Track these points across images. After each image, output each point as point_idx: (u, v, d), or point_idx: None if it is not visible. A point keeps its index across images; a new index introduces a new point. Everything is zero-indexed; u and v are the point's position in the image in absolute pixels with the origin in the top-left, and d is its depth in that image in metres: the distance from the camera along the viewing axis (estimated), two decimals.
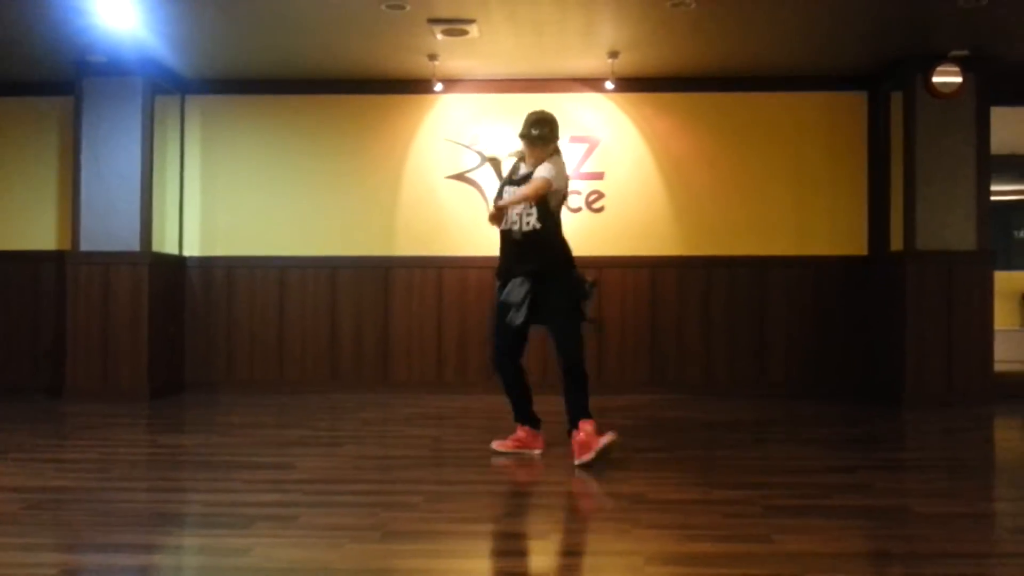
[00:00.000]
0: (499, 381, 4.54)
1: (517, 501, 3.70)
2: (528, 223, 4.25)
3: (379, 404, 6.44)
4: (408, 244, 7.05)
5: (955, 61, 6.35)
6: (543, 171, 4.21)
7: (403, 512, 3.36)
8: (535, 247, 4.27)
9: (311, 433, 5.25)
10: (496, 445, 4.52)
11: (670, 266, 7.01)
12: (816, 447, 4.88)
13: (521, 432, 4.51)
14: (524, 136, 4.33)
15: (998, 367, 6.70)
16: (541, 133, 4.29)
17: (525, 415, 4.52)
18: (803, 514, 3.30)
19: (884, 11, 5.61)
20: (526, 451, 4.47)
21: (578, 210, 7.05)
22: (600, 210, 7.07)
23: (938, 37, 6.08)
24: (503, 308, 4.33)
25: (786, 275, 6.99)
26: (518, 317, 4.27)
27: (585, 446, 4.12)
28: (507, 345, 4.43)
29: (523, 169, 4.40)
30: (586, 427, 4.20)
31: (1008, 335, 8.16)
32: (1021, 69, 6.65)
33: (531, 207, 4.23)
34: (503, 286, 4.34)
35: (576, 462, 4.10)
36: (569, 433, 4.28)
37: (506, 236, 4.34)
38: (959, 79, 6.36)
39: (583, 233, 6.98)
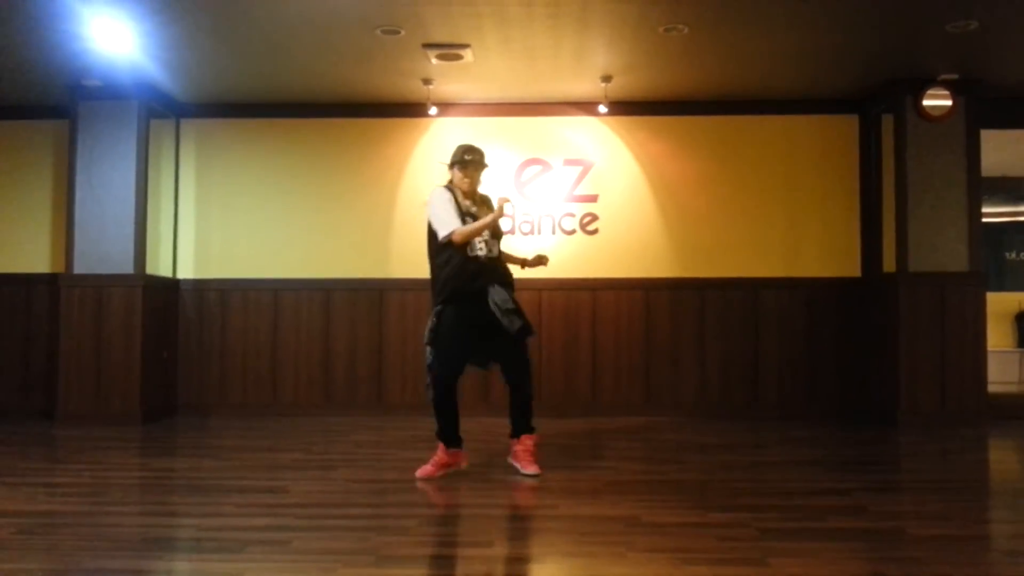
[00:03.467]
0: (442, 403, 4.48)
1: (511, 525, 3.68)
2: (492, 249, 4.50)
3: (373, 427, 6.42)
4: (402, 267, 7.06)
5: (945, 84, 6.42)
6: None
7: (397, 536, 3.34)
8: (499, 269, 4.53)
9: (304, 456, 5.23)
10: (420, 473, 4.46)
11: (664, 288, 7.03)
12: (810, 469, 4.88)
13: (446, 455, 4.51)
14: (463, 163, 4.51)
15: (992, 388, 6.73)
16: (470, 159, 4.52)
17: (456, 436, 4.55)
18: (798, 537, 3.30)
19: (875, 36, 5.68)
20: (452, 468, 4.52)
21: (572, 232, 7.08)
22: (594, 232, 7.09)
23: (928, 61, 6.15)
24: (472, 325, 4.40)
25: (779, 297, 7.01)
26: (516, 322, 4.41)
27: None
28: (463, 365, 4.50)
29: (468, 205, 4.51)
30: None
31: (1001, 356, 8.21)
32: (1010, 92, 6.72)
33: (491, 236, 4.49)
34: (464, 308, 4.40)
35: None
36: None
37: (472, 261, 4.42)
38: (949, 102, 6.43)
39: (577, 255, 7.03)
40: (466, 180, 4.51)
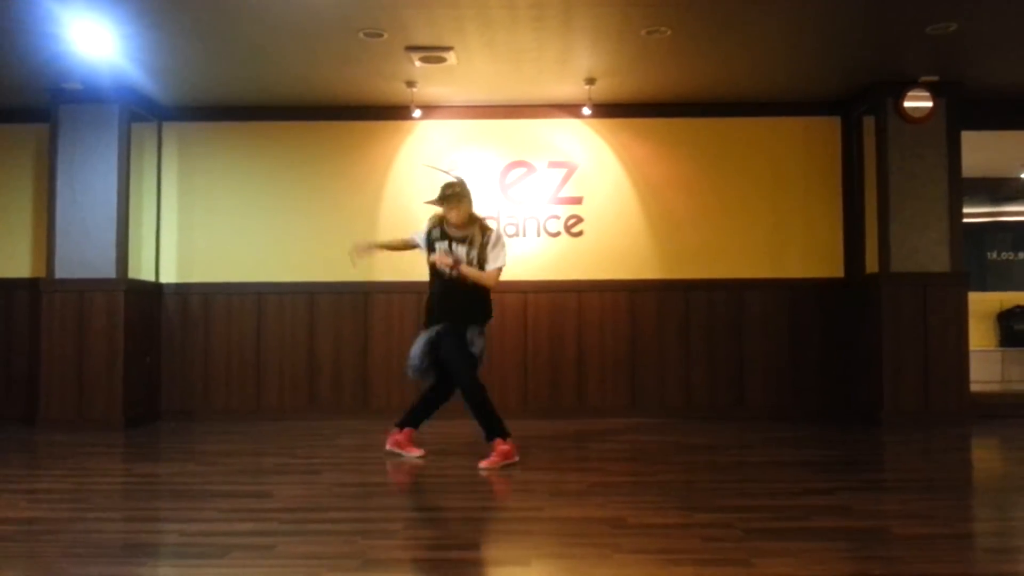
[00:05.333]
0: (483, 400, 4.83)
1: (497, 527, 3.68)
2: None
3: (358, 430, 6.39)
4: (387, 269, 7.04)
5: (925, 86, 6.47)
6: (496, 261, 4.90)
7: (382, 540, 3.33)
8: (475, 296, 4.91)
9: (289, 461, 5.20)
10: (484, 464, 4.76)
11: (649, 290, 7.05)
12: (795, 469, 4.90)
13: (504, 445, 4.81)
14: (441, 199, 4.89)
15: (974, 387, 6.77)
16: (449, 193, 4.86)
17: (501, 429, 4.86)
18: (783, 537, 3.30)
19: (856, 38, 5.72)
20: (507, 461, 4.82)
21: (557, 235, 7.08)
22: (579, 235, 7.10)
23: (909, 63, 6.20)
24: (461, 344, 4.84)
25: (764, 298, 7.04)
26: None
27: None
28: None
29: (458, 233, 4.92)
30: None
31: (983, 355, 8.26)
32: (989, 94, 6.78)
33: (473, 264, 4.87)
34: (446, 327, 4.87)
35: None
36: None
37: (450, 284, 4.87)
38: (929, 104, 6.48)
39: (562, 257, 7.03)
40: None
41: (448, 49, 5.78)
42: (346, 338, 7.06)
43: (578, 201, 7.12)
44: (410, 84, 6.50)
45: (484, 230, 4.95)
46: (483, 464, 4.73)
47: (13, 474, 4.87)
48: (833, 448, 5.66)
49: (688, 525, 3.50)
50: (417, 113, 6.91)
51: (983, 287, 9.33)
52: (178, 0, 4.97)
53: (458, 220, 4.89)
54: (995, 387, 8.20)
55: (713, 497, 4.05)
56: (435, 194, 4.91)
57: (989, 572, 2.98)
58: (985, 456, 5.66)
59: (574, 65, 6.16)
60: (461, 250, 4.87)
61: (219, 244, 7.12)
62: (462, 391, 4.84)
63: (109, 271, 6.48)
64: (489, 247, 4.88)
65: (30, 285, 6.86)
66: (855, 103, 6.90)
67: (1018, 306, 8.94)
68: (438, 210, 4.95)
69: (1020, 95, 6.87)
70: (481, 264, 4.86)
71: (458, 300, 4.84)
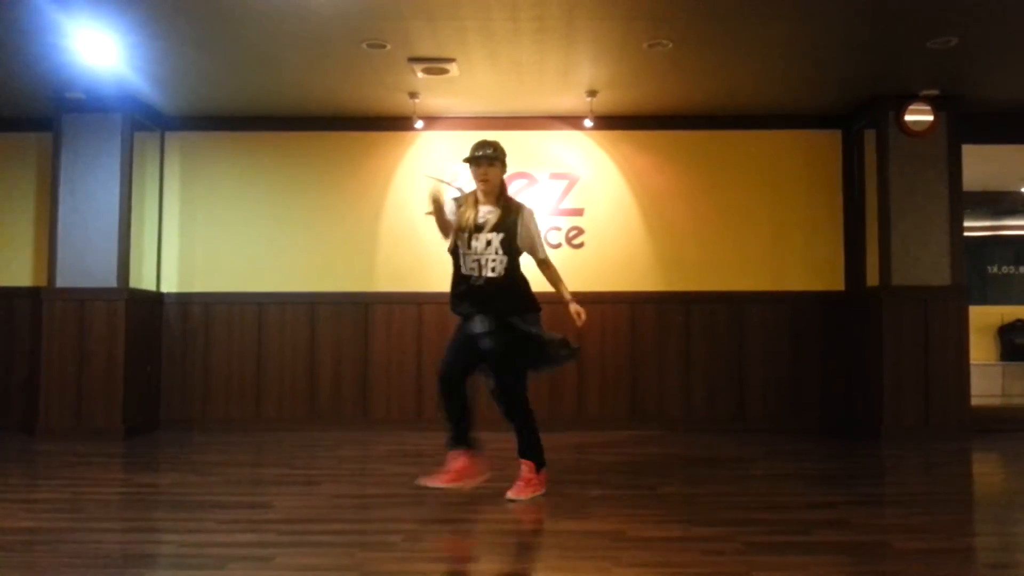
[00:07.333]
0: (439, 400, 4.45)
1: (497, 540, 3.66)
2: (493, 269, 4.29)
3: (358, 442, 6.38)
4: (388, 280, 7.04)
5: (926, 100, 6.48)
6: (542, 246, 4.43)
7: (381, 552, 3.32)
8: (499, 292, 4.32)
9: (288, 472, 5.19)
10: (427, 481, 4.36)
11: (649, 302, 7.05)
12: (795, 483, 4.88)
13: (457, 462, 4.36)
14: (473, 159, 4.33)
15: (974, 401, 6.76)
16: (490, 152, 4.33)
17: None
18: (783, 551, 3.30)
19: (857, 52, 5.73)
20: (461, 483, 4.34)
21: (558, 246, 7.09)
22: (580, 246, 7.11)
23: (909, 77, 6.21)
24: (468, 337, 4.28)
25: (764, 311, 7.04)
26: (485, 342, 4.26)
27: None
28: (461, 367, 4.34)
29: (483, 213, 4.31)
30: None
31: (984, 369, 8.26)
32: (991, 107, 6.79)
33: (499, 253, 4.28)
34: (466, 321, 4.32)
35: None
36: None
37: (466, 279, 4.30)
38: (930, 117, 6.49)
39: (563, 269, 6.98)
40: (476, 181, 4.32)
41: (450, 61, 5.80)
42: (346, 348, 7.06)
43: (579, 213, 7.13)
44: (412, 95, 6.51)
45: (517, 209, 4.37)
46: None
47: (12, 483, 4.86)
48: (833, 462, 5.65)
49: (688, 538, 3.49)
50: (419, 124, 6.92)
51: (984, 301, 9.33)
52: (182, 10, 4.99)
53: (489, 188, 4.32)
54: (996, 401, 8.20)
55: (713, 510, 4.04)
56: (461, 189, 4.43)
57: None
58: (985, 471, 5.64)
59: (576, 77, 6.18)
60: (483, 244, 4.28)
61: (220, 254, 7.12)
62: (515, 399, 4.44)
63: (110, 280, 6.49)
64: (533, 228, 4.39)
65: (31, 294, 6.86)
66: (856, 117, 6.92)
67: (1019, 320, 8.95)
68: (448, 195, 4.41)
69: (1021, 109, 6.87)
70: (511, 249, 4.33)
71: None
